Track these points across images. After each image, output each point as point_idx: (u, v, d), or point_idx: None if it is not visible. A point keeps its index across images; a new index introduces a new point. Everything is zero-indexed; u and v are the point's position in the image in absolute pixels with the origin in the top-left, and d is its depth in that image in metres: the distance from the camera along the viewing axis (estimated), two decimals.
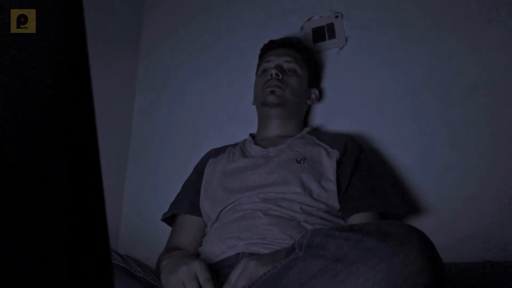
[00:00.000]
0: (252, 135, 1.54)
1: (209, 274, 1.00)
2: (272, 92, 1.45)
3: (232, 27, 1.93)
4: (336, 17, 1.68)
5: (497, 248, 1.25)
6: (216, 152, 1.51)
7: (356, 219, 1.22)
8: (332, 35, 1.67)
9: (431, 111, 1.47)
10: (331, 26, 1.68)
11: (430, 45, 1.51)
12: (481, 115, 1.40)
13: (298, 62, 1.53)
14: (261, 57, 1.63)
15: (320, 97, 1.63)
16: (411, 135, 1.48)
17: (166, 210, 1.45)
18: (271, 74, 1.47)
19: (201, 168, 1.47)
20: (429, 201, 1.40)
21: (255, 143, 1.45)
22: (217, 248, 1.20)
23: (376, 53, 1.60)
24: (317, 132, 1.49)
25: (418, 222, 1.37)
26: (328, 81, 1.67)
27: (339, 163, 1.29)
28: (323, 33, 1.69)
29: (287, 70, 1.51)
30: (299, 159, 1.30)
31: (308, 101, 1.58)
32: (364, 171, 1.30)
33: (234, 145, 1.51)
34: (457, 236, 1.30)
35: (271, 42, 1.63)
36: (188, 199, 1.43)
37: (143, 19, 2.18)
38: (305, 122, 1.61)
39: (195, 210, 1.39)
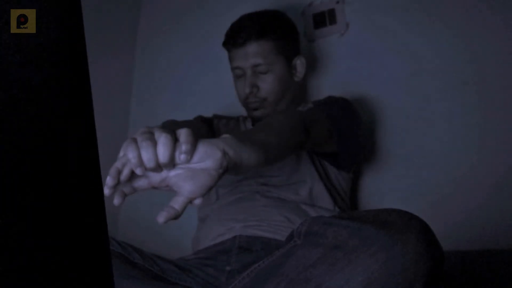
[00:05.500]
0: None
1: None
2: (255, 109, 1.38)
3: (232, 14, 1.91)
4: (337, 2, 1.67)
5: (489, 236, 1.27)
6: (218, 118, 1.50)
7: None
8: (333, 21, 1.66)
9: (430, 97, 1.48)
10: (332, 12, 1.66)
11: (430, 32, 1.51)
12: (472, 103, 1.41)
13: (269, 56, 1.36)
14: (228, 51, 1.45)
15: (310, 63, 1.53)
16: (408, 121, 1.50)
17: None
18: (246, 92, 1.37)
19: (208, 120, 1.47)
20: (421, 187, 1.43)
21: (253, 124, 1.45)
22: (215, 230, 1.20)
23: (377, 39, 1.59)
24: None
25: (411, 206, 1.38)
26: (328, 67, 1.66)
27: None
28: (324, 18, 1.68)
29: (260, 75, 1.37)
30: None
31: (295, 78, 1.44)
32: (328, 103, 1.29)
33: (237, 119, 1.50)
34: (448, 223, 1.31)
35: (230, 39, 1.41)
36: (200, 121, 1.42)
37: (141, 7, 2.16)
38: (303, 97, 1.60)
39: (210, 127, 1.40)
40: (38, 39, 0.30)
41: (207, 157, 0.72)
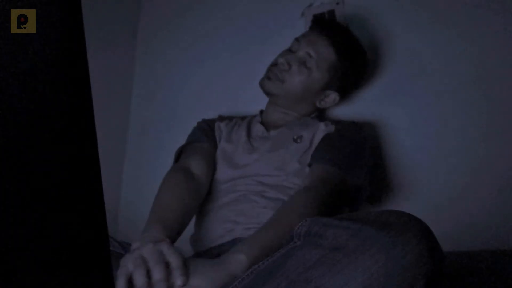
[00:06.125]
0: (262, 112, 1.51)
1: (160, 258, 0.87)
2: (269, 78, 1.38)
3: (231, 14, 1.91)
4: (337, 3, 1.67)
5: (489, 237, 1.27)
6: (222, 118, 1.50)
7: (316, 168, 1.21)
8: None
9: (429, 99, 1.47)
10: (332, 13, 1.66)
11: (430, 33, 1.51)
12: (473, 105, 1.41)
13: (322, 63, 1.36)
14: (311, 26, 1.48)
15: (342, 99, 1.47)
16: (408, 122, 1.49)
17: None
18: (278, 62, 1.37)
19: (211, 122, 1.47)
20: (422, 187, 1.42)
21: (261, 122, 1.44)
22: (214, 232, 1.20)
23: (377, 40, 1.59)
24: (320, 117, 1.48)
25: (411, 208, 1.38)
26: None
27: (327, 134, 1.30)
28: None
29: (301, 64, 1.37)
30: (295, 137, 1.30)
31: (317, 104, 1.43)
32: (349, 141, 1.30)
33: (242, 118, 1.50)
34: (448, 223, 1.31)
35: (323, 21, 1.49)
36: (206, 132, 1.41)
37: (141, 5, 2.16)
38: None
39: (214, 142, 1.38)
40: (38, 39, 0.30)
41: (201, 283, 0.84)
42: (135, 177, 1.95)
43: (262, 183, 1.23)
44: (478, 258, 1.06)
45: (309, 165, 1.23)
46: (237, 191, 1.24)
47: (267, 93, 1.40)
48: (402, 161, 1.47)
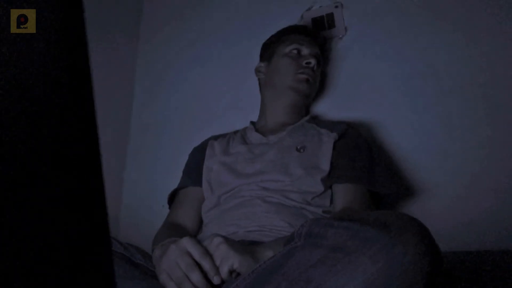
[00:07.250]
0: (253, 123, 1.53)
1: (203, 248, 0.93)
2: (307, 81, 1.45)
3: (231, 15, 1.92)
4: (336, 6, 1.68)
5: (493, 237, 1.26)
6: (215, 137, 1.51)
7: (339, 188, 1.22)
8: (332, 25, 1.67)
9: (430, 100, 1.47)
10: (330, 16, 1.67)
11: (429, 35, 1.51)
12: (478, 104, 1.41)
13: (321, 59, 1.55)
14: (287, 34, 1.56)
15: None
16: (409, 123, 1.49)
17: (166, 197, 1.46)
18: (310, 63, 1.46)
19: (201, 148, 1.48)
20: (427, 187, 1.42)
21: (256, 131, 1.45)
22: None
23: (376, 42, 1.59)
24: (316, 120, 1.48)
25: (415, 207, 1.38)
26: (327, 70, 1.67)
27: (336, 145, 1.30)
28: (322, 23, 1.68)
29: (318, 63, 1.51)
30: (299, 147, 1.30)
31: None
32: (361, 150, 1.31)
33: (235, 132, 1.51)
34: (453, 223, 1.31)
35: (304, 28, 1.60)
36: (191, 173, 1.43)
37: (143, 7, 2.17)
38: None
39: (199, 181, 1.39)
40: (38, 39, 0.30)
41: None
42: (137, 179, 1.95)
43: (266, 188, 1.23)
44: (478, 258, 1.06)
45: (330, 186, 1.25)
46: (241, 197, 1.24)
47: (305, 95, 1.47)
48: (404, 162, 1.47)
